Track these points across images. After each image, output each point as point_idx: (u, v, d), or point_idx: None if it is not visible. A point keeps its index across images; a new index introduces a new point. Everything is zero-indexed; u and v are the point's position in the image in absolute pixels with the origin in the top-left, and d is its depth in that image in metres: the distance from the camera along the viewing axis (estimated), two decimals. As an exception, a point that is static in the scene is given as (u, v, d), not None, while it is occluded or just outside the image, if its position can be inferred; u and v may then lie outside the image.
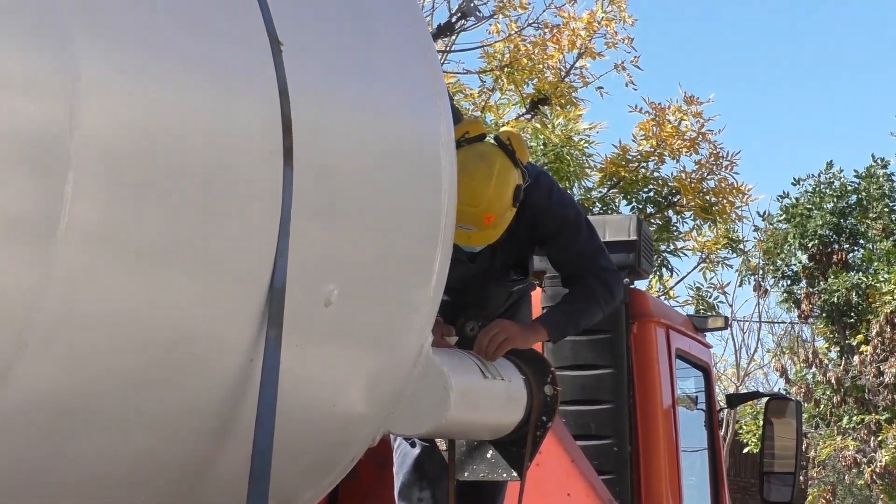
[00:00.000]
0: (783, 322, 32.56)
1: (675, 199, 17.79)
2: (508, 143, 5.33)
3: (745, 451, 27.54)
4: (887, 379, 26.90)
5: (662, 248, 17.78)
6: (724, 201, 17.72)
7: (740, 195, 17.94)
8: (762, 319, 33.27)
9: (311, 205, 3.98)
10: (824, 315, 28.38)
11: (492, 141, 5.40)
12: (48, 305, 3.28)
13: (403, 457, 5.90)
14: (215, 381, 3.89)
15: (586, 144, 17.14)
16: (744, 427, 28.06)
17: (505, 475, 5.63)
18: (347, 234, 4.29)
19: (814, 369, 28.43)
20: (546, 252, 5.77)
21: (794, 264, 28.99)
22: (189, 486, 4.08)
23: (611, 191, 17.76)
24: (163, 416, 3.83)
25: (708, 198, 17.59)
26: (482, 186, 5.26)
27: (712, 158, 17.64)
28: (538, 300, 6.76)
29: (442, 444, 5.79)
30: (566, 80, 16.90)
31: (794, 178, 29.61)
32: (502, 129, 5.58)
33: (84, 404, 3.56)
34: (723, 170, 17.71)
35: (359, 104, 4.46)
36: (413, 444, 5.84)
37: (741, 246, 22.80)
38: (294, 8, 4.16)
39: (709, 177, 17.68)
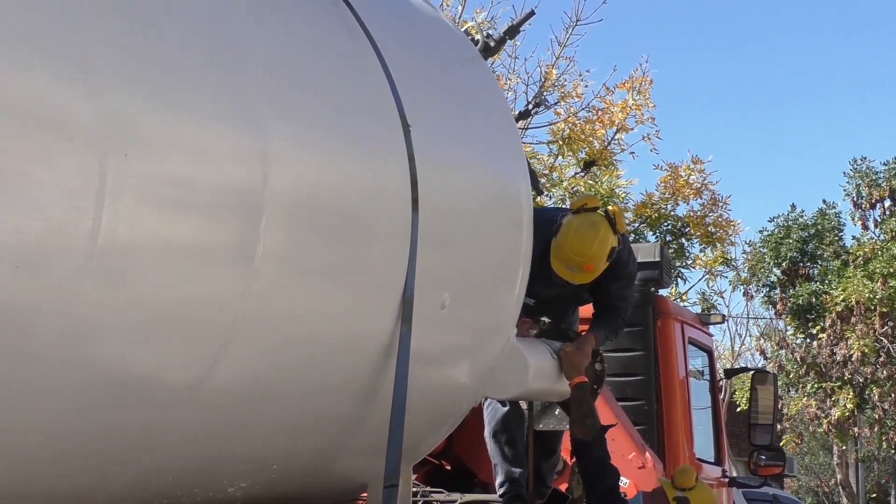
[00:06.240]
0: (764, 318, 32.10)
1: (686, 231, 17.68)
2: (613, 217, 5.30)
3: (738, 409, 27.23)
4: (838, 358, 26.55)
5: (678, 264, 17.63)
6: (721, 231, 17.63)
7: (732, 227, 17.86)
8: (749, 316, 32.89)
9: (431, 238, 3.97)
10: (792, 312, 28.09)
11: (601, 212, 5.33)
12: (249, 309, 3.29)
13: (494, 412, 5.86)
14: (366, 362, 3.88)
15: (624, 196, 17.07)
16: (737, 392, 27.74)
17: (568, 426, 5.57)
18: (456, 258, 4.28)
19: (784, 350, 28.13)
20: (604, 287, 5.61)
21: (771, 277, 28.78)
22: (347, 434, 4.08)
23: (640, 225, 17.62)
24: (330, 386, 3.84)
25: (710, 229, 17.48)
26: (587, 245, 5.22)
27: (711, 201, 17.52)
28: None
29: (523, 404, 5.75)
30: (608, 147, 16.78)
31: (770, 217, 29.38)
32: (610, 206, 5.46)
33: (276, 379, 3.57)
34: (719, 208, 17.60)
35: (464, 167, 4.45)
36: (504, 404, 5.80)
37: (733, 263, 22.61)
38: (417, 98, 4.16)
39: (710, 214, 17.54)
